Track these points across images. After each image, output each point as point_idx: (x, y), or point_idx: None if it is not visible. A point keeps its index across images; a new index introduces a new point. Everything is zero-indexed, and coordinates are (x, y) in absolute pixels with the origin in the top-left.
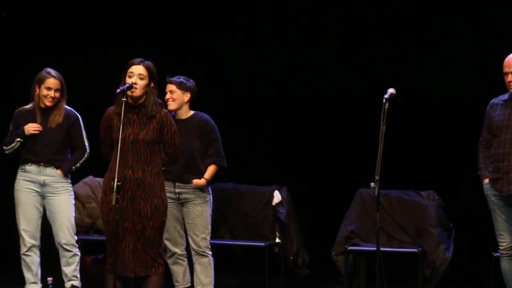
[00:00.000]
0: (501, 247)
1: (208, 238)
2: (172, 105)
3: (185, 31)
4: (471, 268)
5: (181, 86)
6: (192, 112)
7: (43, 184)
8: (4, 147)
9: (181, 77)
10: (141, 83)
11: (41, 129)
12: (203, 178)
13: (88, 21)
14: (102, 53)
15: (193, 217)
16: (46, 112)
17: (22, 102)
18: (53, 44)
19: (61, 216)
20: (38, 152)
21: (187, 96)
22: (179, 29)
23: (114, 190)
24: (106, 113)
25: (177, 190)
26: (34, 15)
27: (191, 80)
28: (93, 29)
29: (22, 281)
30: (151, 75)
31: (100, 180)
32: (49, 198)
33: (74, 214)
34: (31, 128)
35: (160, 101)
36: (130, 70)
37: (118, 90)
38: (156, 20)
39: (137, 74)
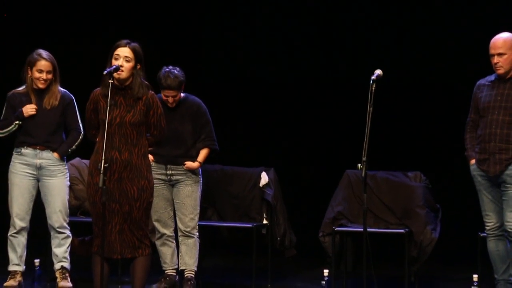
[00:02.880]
0: (488, 227)
1: (196, 218)
2: (173, 105)
3: (173, 13)
4: (457, 248)
5: (180, 87)
6: (182, 95)
7: (39, 167)
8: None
9: (174, 72)
10: (127, 66)
11: (36, 108)
12: (197, 161)
13: (76, 2)
14: (89, 35)
15: (183, 197)
16: (41, 93)
17: (11, 85)
18: (40, 26)
19: (55, 199)
20: (33, 133)
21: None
22: (167, 11)
23: (101, 172)
24: (92, 95)
25: (168, 172)
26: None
27: (181, 71)
28: (80, 10)
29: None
30: (137, 57)
31: (86, 162)
32: (44, 181)
33: (68, 197)
34: (29, 109)
35: (146, 82)
36: (116, 52)
37: (105, 72)
38: (145, 2)
39: (123, 57)
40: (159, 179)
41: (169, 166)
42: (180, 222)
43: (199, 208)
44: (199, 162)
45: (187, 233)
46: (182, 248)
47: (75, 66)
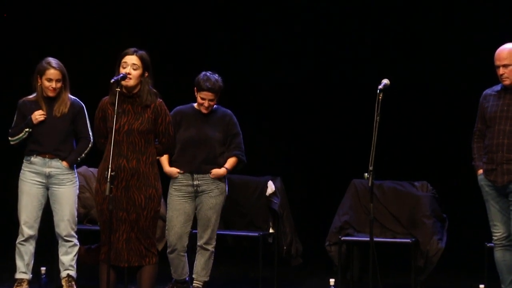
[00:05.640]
0: (495, 238)
1: (215, 229)
2: (207, 110)
3: (182, 20)
4: (464, 258)
5: (219, 91)
6: (215, 106)
7: (48, 176)
8: (10, 138)
9: (214, 76)
10: (135, 73)
11: (46, 114)
12: (224, 167)
13: (85, 10)
14: (97, 43)
15: (206, 209)
16: (51, 101)
17: (23, 92)
18: (49, 34)
19: (63, 208)
20: (43, 142)
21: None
22: (176, 18)
23: (108, 180)
24: (101, 103)
25: (195, 182)
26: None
27: (220, 78)
28: (89, 18)
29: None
30: (145, 65)
31: (93, 170)
32: (53, 189)
33: (76, 206)
34: (37, 115)
35: (155, 90)
36: (123, 60)
37: (112, 80)
38: (153, 9)
39: (130, 64)
40: (184, 191)
41: (195, 175)
42: (199, 233)
43: (219, 219)
44: (226, 168)
45: (204, 244)
46: (198, 257)
47: (81, 74)
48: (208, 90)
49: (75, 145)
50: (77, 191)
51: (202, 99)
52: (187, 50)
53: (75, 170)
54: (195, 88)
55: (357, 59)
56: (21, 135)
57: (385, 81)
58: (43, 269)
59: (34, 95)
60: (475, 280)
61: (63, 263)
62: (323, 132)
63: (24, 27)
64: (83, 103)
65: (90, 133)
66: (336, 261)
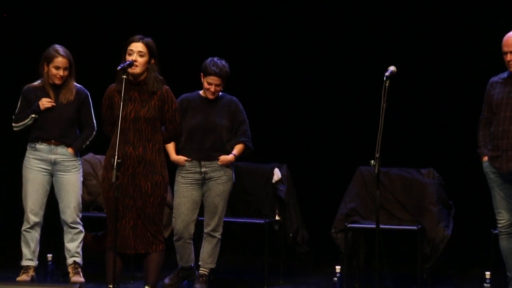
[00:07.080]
0: (500, 225)
1: (222, 217)
2: (214, 95)
3: (186, 8)
4: (470, 245)
5: (226, 77)
6: (221, 93)
7: (53, 163)
8: (14, 124)
9: (221, 61)
10: (141, 60)
11: (54, 103)
12: (232, 154)
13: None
14: (104, 31)
15: (213, 196)
16: (57, 88)
17: (23, 80)
18: (54, 23)
19: (69, 195)
20: (48, 128)
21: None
22: (180, 7)
23: (114, 167)
24: (107, 91)
25: (203, 170)
26: None
27: (227, 64)
28: (94, 7)
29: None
30: (151, 52)
31: (100, 157)
32: (58, 176)
33: (81, 192)
34: (45, 102)
35: (161, 77)
36: (129, 47)
37: (119, 68)
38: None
39: (136, 52)
40: (192, 178)
41: (203, 163)
42: (206, 220)
43: (226, 206)
44: (234, 155)
45: (211, 232)
46: (204, 244)
47: (87, 62)
48: (215, 74)
49: (78, 133)
50: (82, 178)
51: (209, 84)
52: (194, 41)
53: (79, 157)
54: (202, 73)
55: (364, 46)
56: (26, 121)
57: (392, 68)
58: (49, 256)
59: (39, 81)
60: (481, 267)
61: (69, 250)
62: (329, 119)
63: (28, 16)
64: (88, 91)
65: (94, 122)
66: (342, 248)
